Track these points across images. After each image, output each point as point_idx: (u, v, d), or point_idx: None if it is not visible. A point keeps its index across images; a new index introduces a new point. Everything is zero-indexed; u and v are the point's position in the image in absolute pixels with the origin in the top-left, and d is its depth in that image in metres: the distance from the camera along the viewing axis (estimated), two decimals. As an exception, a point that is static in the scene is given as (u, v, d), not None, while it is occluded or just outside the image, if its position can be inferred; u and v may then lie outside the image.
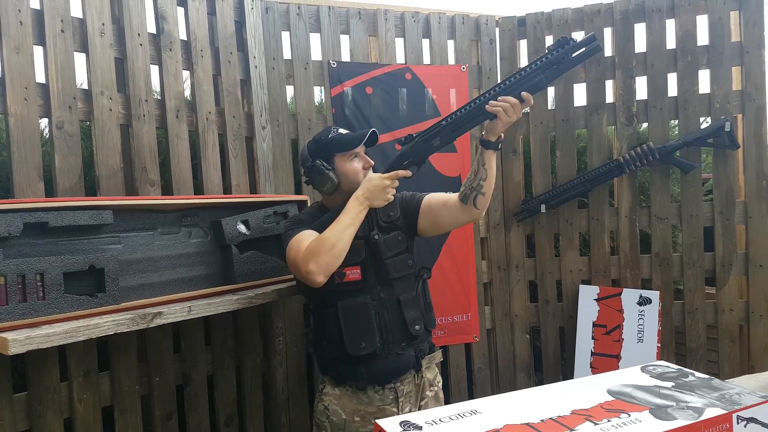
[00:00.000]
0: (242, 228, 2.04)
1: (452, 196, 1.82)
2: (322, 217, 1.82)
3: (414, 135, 1.79)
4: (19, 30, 1.73)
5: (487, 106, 1.65)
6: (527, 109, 2.85)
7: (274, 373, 2.38)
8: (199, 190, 2.22)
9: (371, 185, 1.74)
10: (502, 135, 1.71)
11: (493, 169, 1.73)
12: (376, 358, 1.77)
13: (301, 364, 2.48)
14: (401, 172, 1.76)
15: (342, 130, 1.88)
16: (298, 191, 2.50)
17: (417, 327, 1.81)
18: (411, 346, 1.82)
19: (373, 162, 1.88)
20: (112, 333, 1.56)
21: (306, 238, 1.74)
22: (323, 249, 1.67)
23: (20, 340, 1.38)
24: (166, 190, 2.13)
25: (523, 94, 1.61)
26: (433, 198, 1.87)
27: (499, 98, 1.63)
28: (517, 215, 2.84)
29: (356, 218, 1.72)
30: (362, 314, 1.77)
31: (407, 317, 1.80)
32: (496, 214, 2.86)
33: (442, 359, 1.98)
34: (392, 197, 1.77)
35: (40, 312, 1.51)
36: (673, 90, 2.74)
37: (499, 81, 2.81)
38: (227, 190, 2.30)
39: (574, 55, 1.57)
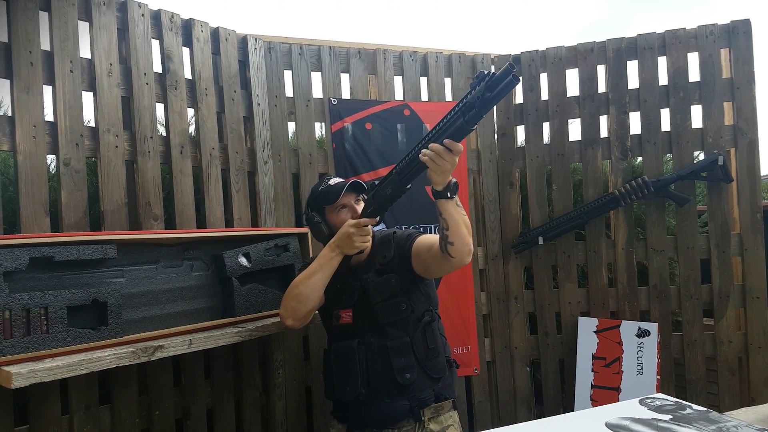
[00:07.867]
0: (243, 261, 2.06)
1: (437, 241, 1.68)
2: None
3: (376, 182, 1.74)
4: (29, 70, 1.79)
5: (419, 155, 1.54)
6: (524, 144, 2.95)
7: (273, 407, 2.37)
8: (201, 223, 2.26)
9: (340, 233, 1.75)
10: (453, 180, 1.58)
11: (453, 217, 1.60)
12: (362, 405, 1.75)
13: (300, 399, 2.47)
14: (365, 220, 1.72)
15: (333, 180, 1.88)
16: (299, 224, 2.53)
17: (407, 375, 1.72)
18: (403, 395, 1.73)
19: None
20: (114, 366, 1.57)
21: None
22: (290, 294, 1.79)
23: (23, 374, 1.39)
24: (169, 223, 2.17)
25: (445, 141, 1.48)
26: (421, 242, 1.78)
27: (430, 146, 1.51)
28: (514, 247, 2.87)
29: (325, 265, 1.75)
30: (348, 359, 1.77)
31: (395, 365, 1.73)
32: (494, 246, 2.89)
33: (453, 409, 1.83)
34: (363, 244, 1.74)
35: (44, 345, 1.53)
36: (666, 125, 2.79)
37: (495, 118, 2.93)
38: (229, 223, 2.34)
39: (490, 94, 1.38)
